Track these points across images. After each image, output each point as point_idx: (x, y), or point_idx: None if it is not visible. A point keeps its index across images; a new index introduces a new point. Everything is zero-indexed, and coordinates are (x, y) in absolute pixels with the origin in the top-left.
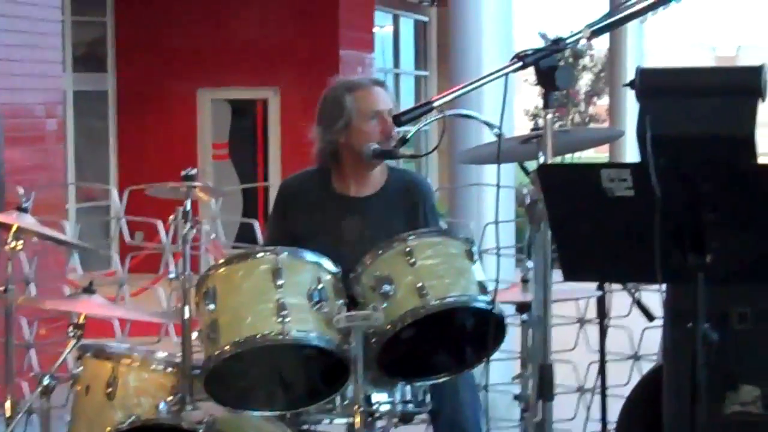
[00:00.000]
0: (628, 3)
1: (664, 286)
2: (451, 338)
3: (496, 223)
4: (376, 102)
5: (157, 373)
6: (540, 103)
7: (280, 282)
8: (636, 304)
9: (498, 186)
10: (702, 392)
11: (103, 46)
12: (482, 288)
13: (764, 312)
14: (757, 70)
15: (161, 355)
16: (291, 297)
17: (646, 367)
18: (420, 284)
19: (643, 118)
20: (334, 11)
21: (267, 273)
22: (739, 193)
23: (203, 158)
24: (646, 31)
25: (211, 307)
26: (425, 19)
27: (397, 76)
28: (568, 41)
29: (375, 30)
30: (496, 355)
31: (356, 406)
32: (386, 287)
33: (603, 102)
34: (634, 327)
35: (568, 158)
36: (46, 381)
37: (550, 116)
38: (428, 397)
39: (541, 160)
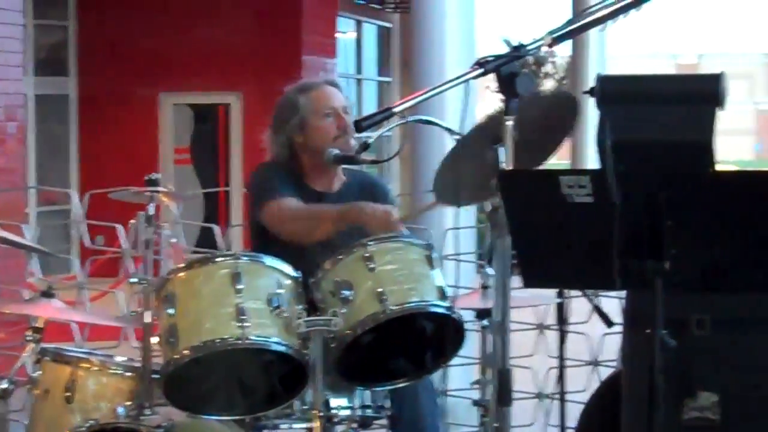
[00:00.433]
0: (589, 11)
1: (623, 292)
2: (411, 343)
3: (456, 228)
4: (330, 99)
5: (116, 378)
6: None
7: (239, 287)
8: (595, 310)
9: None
10: (660, 398)
11: (65, 49)
12: (442, 293)
13: (722, 318)
14: (716, 78)
15: (120, 359)
16: (251, 302)
17: (605, 373)
18: (380, 289)
19: (603, 125)
20: (297, 17)
21: (227, 278)
22: (697, 199)
23: (165, 163)
24: (609, 39)
25: (171, 311)
26: (388, 25)
27: (359, 81)
28: (529, 48)
29: (338, 36)
30: (455, 361)
31: (315, 411)
32: (346, 292)
33: None
34: (593, 333)
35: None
36: (4, 385)
37: (510, 123)
38: (388, 403)
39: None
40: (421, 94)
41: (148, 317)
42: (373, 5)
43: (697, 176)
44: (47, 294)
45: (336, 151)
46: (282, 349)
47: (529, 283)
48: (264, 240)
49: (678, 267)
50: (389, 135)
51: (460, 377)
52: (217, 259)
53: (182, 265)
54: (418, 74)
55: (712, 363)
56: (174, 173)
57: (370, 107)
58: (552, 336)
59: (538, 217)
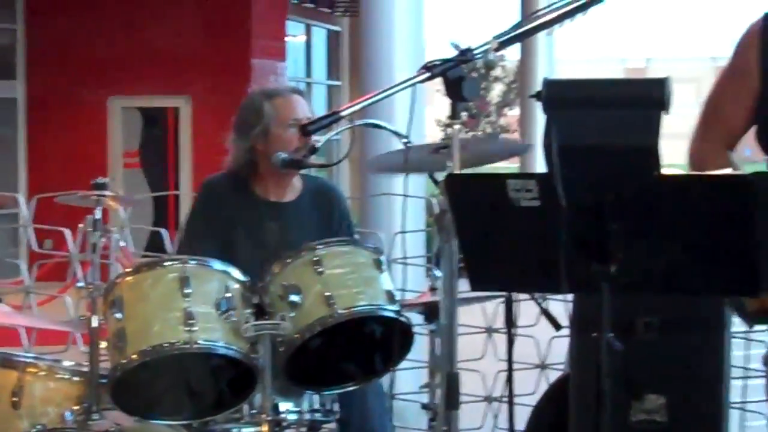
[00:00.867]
0: (536, 15)
1: (571, 296)
2: (360, 347)
3: (403, 232)
4: (295, 110)
5: (64, 382)
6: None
7: (187, 291)
8: (543, 313)
9: (405, 196)
10: (607, 401)
11: (13, 53)
12: (390, 297)
13: (670, 321)
14: (661, 83)
15: (68, 364)
16: (198, 306)
17: (553, 375)
18: (328, 293)
19: (549, 129)
20: (246, 20)
21: (175, 282)
22: (643, 203)
23: (114, 166)
24: (558, 43)
25: (119, 315)
26: (338, 29)
27: (309, 85)
28: (475, 52)
29: (287, 39)
30: (404, 364)
31: (264, 415)
32: (294, 296)
33: (514, 113)
34: (541, 336)
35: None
36: None
37: (457, 126)
38: (336, 406)
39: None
40: (368, 98)
41: (95, 322)
42: (322, 9)
43: (642, 179)
44: None
45: (284, 155)
46: (230, 353)
47: (475, 287)
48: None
49: (625, 270)
50: (338, 139)
51: (409, 381)
52: (165, 263)
53: (130, 269)
54: (367, 78)
55: (660, 365)
56: (123, 177)
57: (319, 111)
58: (500, 339)
59: (484, 221)
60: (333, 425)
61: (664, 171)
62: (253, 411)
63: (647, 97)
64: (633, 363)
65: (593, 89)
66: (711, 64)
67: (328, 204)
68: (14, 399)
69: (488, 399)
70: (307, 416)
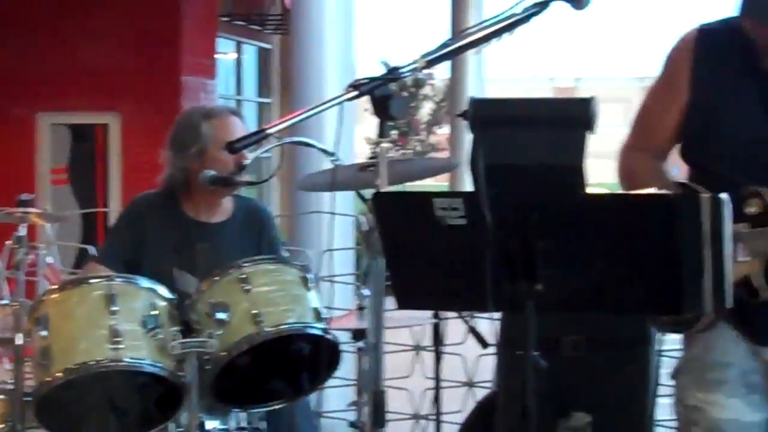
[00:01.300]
0: (463, 34)
1: (498, 314)
2: (287, 365)
3: (331, 250)
4: (232, 132)
5: None
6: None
7: (114, 308)
8: (470, 332)
9: (333, 213)
10: (533, 419)
11: None
12: (318, 315)
13: (596, 339)
14: (586, 102)
15: None
16: (125, 323)
17: (481, 393)
18: (255, 311)
19: (476, 148)
20: (176, 37)
21: (101, 299)
22: (568, 222)
23: (41, 183)
24: (487, 62)
25: (44, 333)
26: (268, 46)
27: (239, 103)
28: (403, 71)
29: (217, 57)
30: (332, 382)
31: None
32: (221, 314)
33: (444, 131)
34: (468, 354)
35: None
36: None
37: (385, 145)
38: (264, 424)
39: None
40: (295, 116)
41: (20, 339)
42: (253, 26)
43: (567, 199)
44: None
45: (212, 173)
46: (156, 371)
47: (402, 305)
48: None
49: (551, 288)
50: (269, 156)
51: (336, 398)
52: (92, 281)
53: (56, 286)
54: (298, 96)
55: (586, 383)
56: (51, 193)
57: (250, 129)
58: (428, 357)
59: (411, 239)
60: None
61: (589, 190)
62: (180, 429)
63: (573, 117)
64: (559, 381)
65: (519, 108)
66: (639, 84)
67: (258, 225)
68: None
69: (416, 417)
70: None
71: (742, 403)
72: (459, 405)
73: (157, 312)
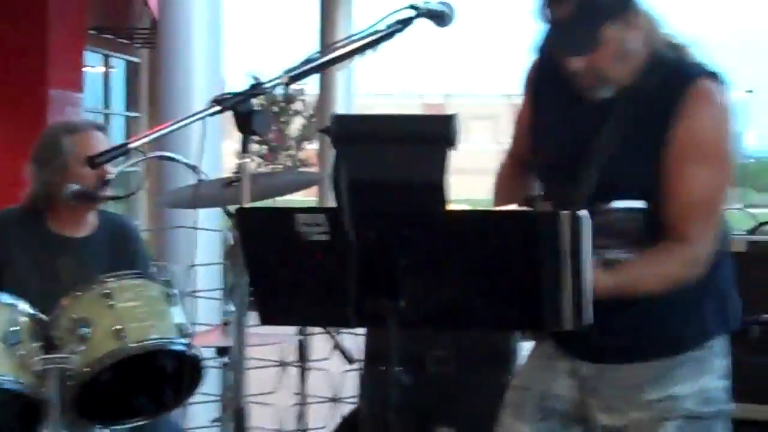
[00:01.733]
0: (328, 49)
1: (364, 330)
2: (151, 381)
3: (196, 266)
4: (94, 146)
5: None
6: (252, 147)
7: None
8: (336, 347)
9: (196, 228)
10: None
11: None
12: (181, 331)
13: (459, 355)
14: (448, 119)
15: None
16: None
17: (346, 409)
18: (118, 327)
19: (338, 163)
20: (43, 49)
21: None
22: (430, 238)
23: None
24: (357, 78)
25: None
26: (137, 60)
27: (107, 116)
28: (265, 86)
29: (85, 70)
30: (197, 398)
31: None
32: (83, 330)
33: (314, 146)
34: (334, 369)
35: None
36: None
37: (247, 160)
38: None
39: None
40: (157, 130)
41: None
42: (121, 40)
43: (428, 215)
44: None
45: (75, 187)
46: (16, 387)
47: (265, 321)
48: None
49: (413, 305)
50: (137, 170)
51: (201, 415)
52: None
53: None
54: (165, 110)
55: (450, 398)
56: None
57: (116, 142)
58: (294, 373)
59: (274, 254)
60: None
61: (451, 207)
62: None
63: (434, 134)
64: (424, 396)
65: (381, 125)
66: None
67: (123, 240)
68: None
69: None
70: None
71: (531, 430)
72: (324, 421)
73: (18, 327)
